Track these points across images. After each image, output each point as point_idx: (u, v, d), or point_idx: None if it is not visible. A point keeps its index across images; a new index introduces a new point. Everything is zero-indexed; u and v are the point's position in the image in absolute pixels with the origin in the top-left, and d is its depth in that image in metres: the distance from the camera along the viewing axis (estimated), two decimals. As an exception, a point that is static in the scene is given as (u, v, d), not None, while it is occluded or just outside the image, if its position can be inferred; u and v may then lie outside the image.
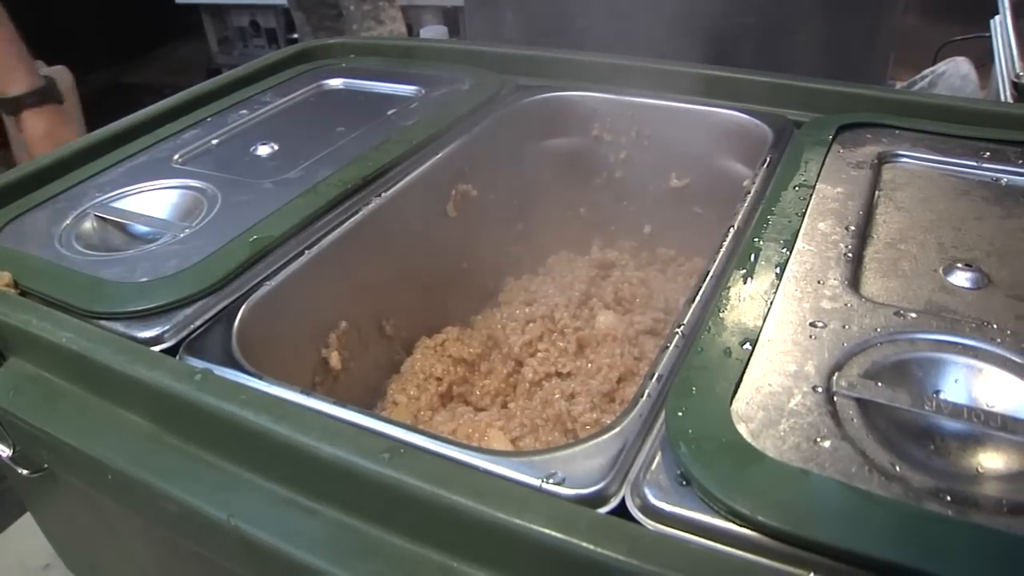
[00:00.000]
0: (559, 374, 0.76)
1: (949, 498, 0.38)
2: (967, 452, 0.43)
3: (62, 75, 2.81)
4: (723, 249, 0.59)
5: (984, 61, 1.52)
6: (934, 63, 1.74)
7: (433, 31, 2.80)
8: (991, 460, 0.42)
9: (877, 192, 0.65)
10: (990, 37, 1.38)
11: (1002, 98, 1.15)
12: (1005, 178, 0.66)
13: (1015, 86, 1.12)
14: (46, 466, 0.58)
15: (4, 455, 0.59)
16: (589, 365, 0.75)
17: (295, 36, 2.98)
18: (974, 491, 0.40)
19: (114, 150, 0.82)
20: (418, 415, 0.73)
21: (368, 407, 0.75)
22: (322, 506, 0.43)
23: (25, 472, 0.59)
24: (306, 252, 0.64)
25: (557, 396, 0.71)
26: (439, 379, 0.76)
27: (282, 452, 0.43)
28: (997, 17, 1.39)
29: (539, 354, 0.78)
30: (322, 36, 2.58)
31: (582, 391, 0.70)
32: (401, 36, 2.48)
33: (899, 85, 1.69)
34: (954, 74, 1.68)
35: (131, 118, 0.87)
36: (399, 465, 0.40)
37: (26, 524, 0.91)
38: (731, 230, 0.61)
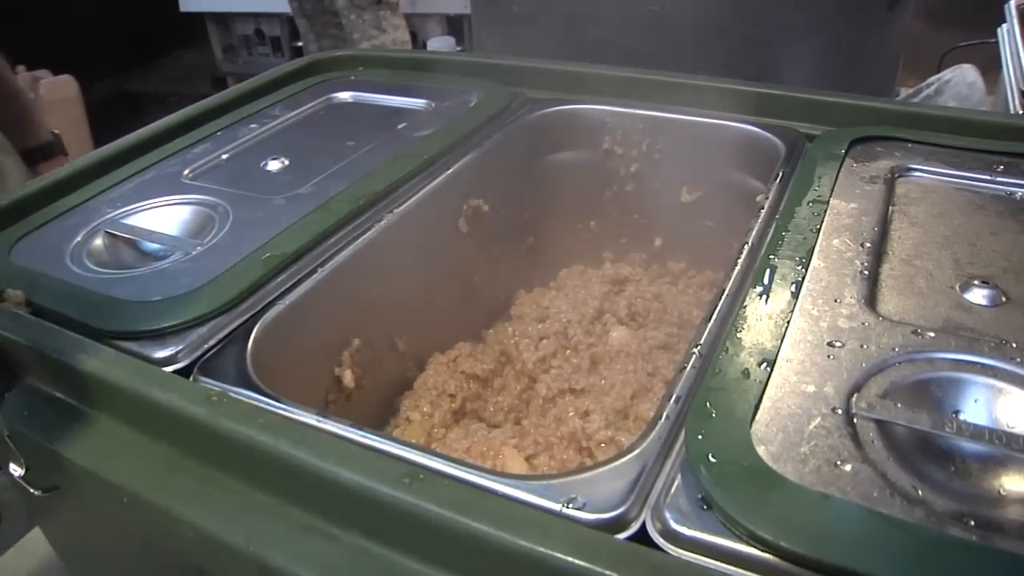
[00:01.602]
0: (572, 391, 0.75)
1: (972, 522, 0.38)
2: (988, 474, 0.42)
3: (67, 84, 2.82)
4: (738, 266, 0.59)
5: (989, 67, 1.51)
6: (939, 69, 1.74)
7: (441, 42, 2.80)
8: (1013, 482, 0.42)
9: (891, 207, 0.64)
10: (996, 44, 1.37)
11: (1010, 107, 1.15)
12: (1019, 192, 0.66)
13: (1023, 95, 1.11)
14: (58, 486, 0.58)
15: (16, 474, 0.59)
16: (603, 381, 0.75)
17: (299, 44, 2.98)
18: (997, 514, 0.39)
19: (124, 165, 0.81)
20: (432, 432, 0.73)
21: (381, 424, 0.74)
22: (342, 531, 0.43)
23: (37, 492, 0.59)
24: (319, 270, 0.64)
25: (571, 413, 0.71)
26: (452, 395, 0.76)
27: (301, 477, 0.43)
28: (1004, 26, 1.39)
29: (552, 370, 0.78)
30: (326, 44, 2.58)
31: (596, 408, 0.70)
32: (405, 45, 2.48)
33: (905, 92, 1.68)
34: (960, 81, 1.68)
35: (140, 133, 0.87)
36: (419, 491, 0.40)
37: (37, 537, 0.91)
38: (745, 247, 0.61)
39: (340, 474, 0.41)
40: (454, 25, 2.95)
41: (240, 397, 0.49)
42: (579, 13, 0.99)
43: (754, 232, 0.63)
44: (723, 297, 0.55)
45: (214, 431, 0.46)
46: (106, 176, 0.79)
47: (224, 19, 3.63)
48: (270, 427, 0.44)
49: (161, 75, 4.11)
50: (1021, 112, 1.08)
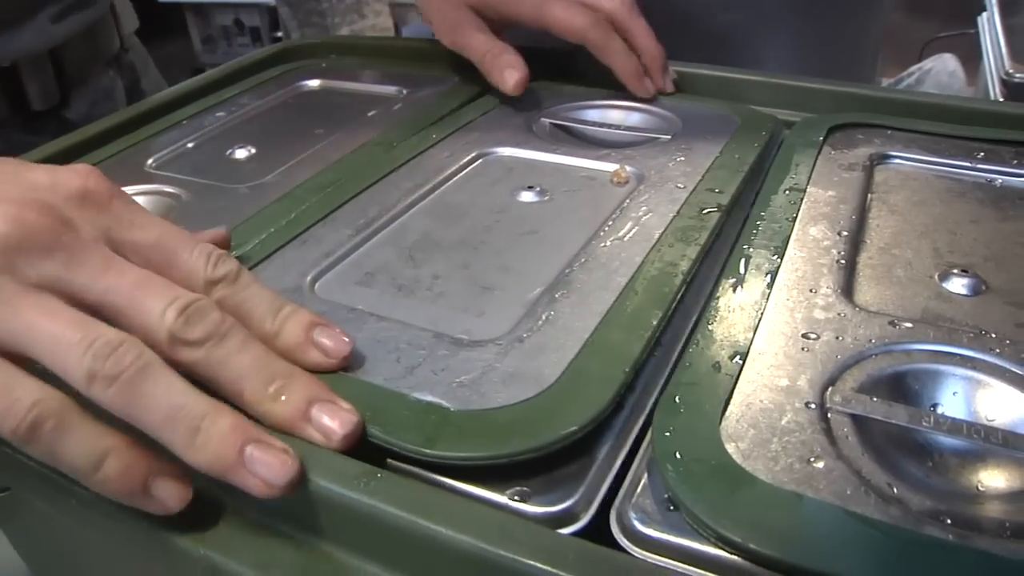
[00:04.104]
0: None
1: (949, 521, 0.36)
2: (967, 469, 0.41)
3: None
4: (710, 256, 0.57)
5: (970, 57, 1.51)
6: (920, 60, 1.73)
7: (417, 29, 2.77)
8: (992, 478, 0.40)
9: (870, 195, 0.63)
10: (976, 34, 1.37)
11: (991, 95, 1.14)
12: (1000, 179, 0.65)
13: (1005, 84, 1.11)
14: (8, 487, 0.56)
15: (-35, 474, 0.57)
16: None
17: (279, 35, 2.95)
18: (975, 512, 0.38)
19: (87, 154, 0.79)
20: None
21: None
22: (297, 533, 0.41)
23: (-11, 492, 0.57)
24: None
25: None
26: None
27: (252, 477, 0.41)
28: (984, 14, 1.38)
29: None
30: (308, 31, 2.56)
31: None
32: (385, 30, 2.46)
33: (886, 82, 1.68)
34: (941, 71, 1.68)
35: (103, 121, 0.84)
36: (375, 491, 0.38)
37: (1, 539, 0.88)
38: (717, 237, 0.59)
39: (292, 474, 0.39)
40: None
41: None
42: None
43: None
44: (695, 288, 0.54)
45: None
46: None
47: (203, 9, 3.59)
48: (221, 425, 0.42)
49: (139, 65, 4.06)
50: (1001, 99, 1.07)
